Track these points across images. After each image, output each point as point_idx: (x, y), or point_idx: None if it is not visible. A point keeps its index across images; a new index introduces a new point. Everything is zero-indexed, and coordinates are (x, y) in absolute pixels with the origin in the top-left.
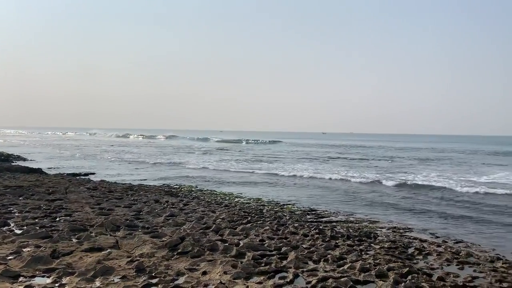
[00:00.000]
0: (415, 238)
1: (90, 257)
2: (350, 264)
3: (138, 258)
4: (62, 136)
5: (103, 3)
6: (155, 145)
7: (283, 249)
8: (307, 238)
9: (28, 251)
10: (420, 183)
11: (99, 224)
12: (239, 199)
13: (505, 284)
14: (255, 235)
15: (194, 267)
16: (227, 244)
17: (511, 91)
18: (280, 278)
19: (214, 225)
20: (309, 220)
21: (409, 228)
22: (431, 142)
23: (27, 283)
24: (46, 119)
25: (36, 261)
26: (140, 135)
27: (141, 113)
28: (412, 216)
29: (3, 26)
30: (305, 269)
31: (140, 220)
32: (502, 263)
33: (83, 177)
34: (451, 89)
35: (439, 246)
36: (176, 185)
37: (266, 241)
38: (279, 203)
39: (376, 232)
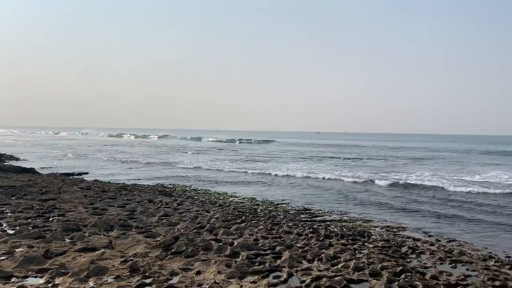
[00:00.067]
0: (408, 237)
1: (84, 257)
2: (344, 263)
3: (132, 258)
4: (55, 135)
5: (100, 3)
6: (149, 145)
7: (277, 248)
8: (301, 237)
9: (20, 251)
10: (413, 182)
11: (93, 224)
12: (233, 198)
13: (497, 283)
14: (249, 235)
15: (188, 266)
16: (221, 243)
17: (505, 91)
18: (274, 277)
19: (208, 225)
20: (303, 220)
21: (403, 227)
22: (425, 142)
23: (20, 283)
24: (39, 119)
25: (28, 261)
26: (133, 134)
27: (135, 113)
28: (406, 215)
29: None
30: (299, 268)
31: (134, 220)
32: (495, 262)
33: (76, 176)
34: (445, 88)
35: (432, 245)
36: (170, 184)
37: (260, 241)
38: (273, 202)
39: (370, 231)
